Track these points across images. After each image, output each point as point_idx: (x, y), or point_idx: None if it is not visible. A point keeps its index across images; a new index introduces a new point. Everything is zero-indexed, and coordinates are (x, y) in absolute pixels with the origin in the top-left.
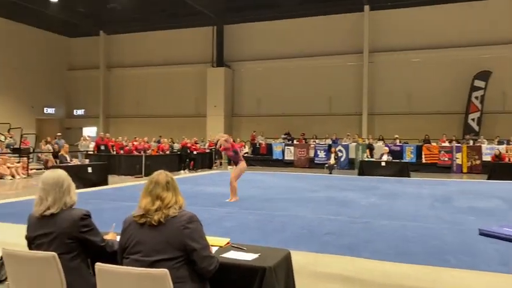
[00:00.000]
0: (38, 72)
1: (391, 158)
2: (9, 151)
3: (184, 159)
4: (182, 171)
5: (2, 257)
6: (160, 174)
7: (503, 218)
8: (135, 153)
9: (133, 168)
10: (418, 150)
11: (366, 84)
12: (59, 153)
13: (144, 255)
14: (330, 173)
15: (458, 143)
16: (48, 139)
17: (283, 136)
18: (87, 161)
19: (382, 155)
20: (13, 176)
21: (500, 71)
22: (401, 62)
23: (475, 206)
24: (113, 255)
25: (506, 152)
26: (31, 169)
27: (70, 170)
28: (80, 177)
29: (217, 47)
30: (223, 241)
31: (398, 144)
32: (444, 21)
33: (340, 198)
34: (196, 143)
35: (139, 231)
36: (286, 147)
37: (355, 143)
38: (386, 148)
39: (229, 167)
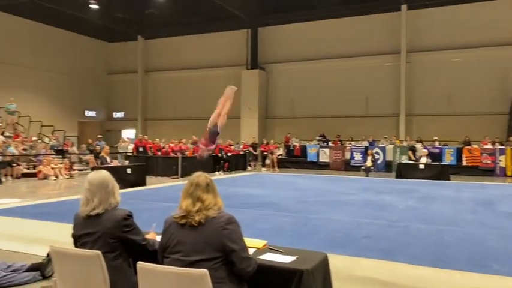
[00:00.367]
0: (80, 77)
1: (430, 160)
2: (53, 152)
3: (219, 161)
4: (217, 173)
5: (48, 254)
6: (200, 176)
7: None
8: (172, 154)
9: (170, 169)
10: (459, 153)
11: (404, 84)
12: (100, 155)
13: (184, 255)
14: (367, 176)
15: (502, 145)
16: (89, 141)
17: (317, 138)
18: (126, 162)
19: (420, 157)
20: (56, 177)
21: None
22: (441, 61)
23: None
24: (153, 255)
25: None
26: (73, 170)
27: (110, 170)
28: (120, 177)
29: (251, 49)
30: (260, 243)
31: (437, 146)
32: (485, 19)
33: (377, 202)
34: (231, 145)
35: (179, 231)
36: (321, 149)
37: (392, 145)
38: (425, 150)
39: (263, 168)
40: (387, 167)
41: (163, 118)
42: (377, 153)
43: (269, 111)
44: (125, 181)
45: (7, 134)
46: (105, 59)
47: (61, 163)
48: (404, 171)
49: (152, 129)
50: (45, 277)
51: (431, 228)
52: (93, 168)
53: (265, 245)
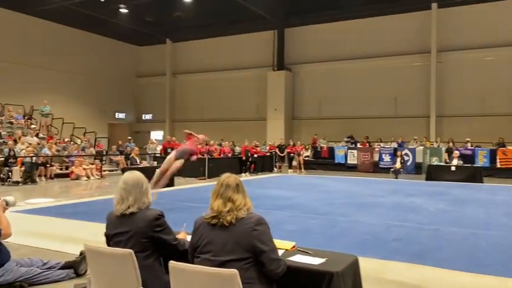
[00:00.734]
0: (110, 80)
1: (461, 162)
2: (84, 153)
3: (245, 162)
4: (243, 174)
5: (81, 252)
6: (230, 177)
7: None
8: (199, 155)
9: (197, 171)
10: (492, 155)
11: (434, 85)
12: (130, 156)
13: (214, 255)
14: (396, 178)
15: None
16: (120, 142)
17: (345, 139)
18: (155, 163)
19: (452, 159)
20: (88, 177)
21: None
22: (473, 61)
23: None
24: (183, 254)
25: None
26: (104, 170)
27: (140, 171)
28: (149, 178)
29: (278, 50)
30: (288, 244)
31: (469, 148)
32: None
33: (406, 204)
34: (257, 147)
35: (210, 231)
36: (349, 150)
37: (422, 147)
38: (457, 152)
39: (289, 170)
40: (417, 168)
41: (191, 120)
42: (406, 154)
43: (296, 112)
44: None
45: (41, 135)
46: (134, 62)
47: (92, 164)
48: (435, 173)
49: (180, 131)
50: (78, 275)
51: (464, 231)
52: (123, 169)
53: (294, 246)
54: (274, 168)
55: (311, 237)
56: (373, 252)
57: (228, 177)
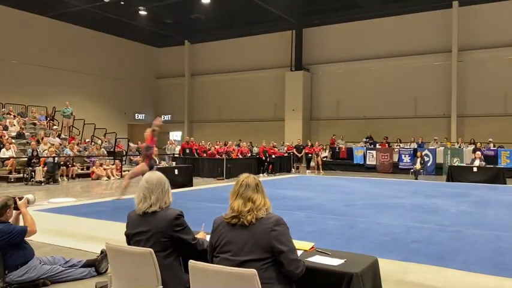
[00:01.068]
0: (130, 81)
1: (483, 163)
2: (106, 154)
3: (263, 163)
4: (261, 175)
5: (102, 251)
6: (249, 177)
7: None
8: (217, 156)
9: (216, 171)
10: None
11: (455, 84)
12: None
13: (233, 255)
14: (416, 179)
15: None
16: (139, 143)
17: (364, 140)
18: (173, 164)
19: (473, 160)
20: (108, 177)
21: None
22: (495, 59)
23: None
24: (202, 254)
25: None
26: (124, 171)
27: (159, 171)
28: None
29: (295, 50)
30: (307, 245)
31: (492, 148)
32: None
33: (427, 205)
34: (275, 147)
35: (229, 231)
36: (367, 151)
37: (443, 147)
38: (479, 153)
39: (307, 171)
40: (437, 169)
41: (208, 120)
42: (426, 155)
43: (314, 113)
44: (172, 182)
45: (63, 136)
46: (154, 64)
47: (112, 164)
48: (456, 175)
49: (198, 131)
50: (99, 273)
51: (487, 234)
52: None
53: (312, 247)
54: (292, 169)
55: (330, 238)
56: (393, 254)
57: (247, 177)
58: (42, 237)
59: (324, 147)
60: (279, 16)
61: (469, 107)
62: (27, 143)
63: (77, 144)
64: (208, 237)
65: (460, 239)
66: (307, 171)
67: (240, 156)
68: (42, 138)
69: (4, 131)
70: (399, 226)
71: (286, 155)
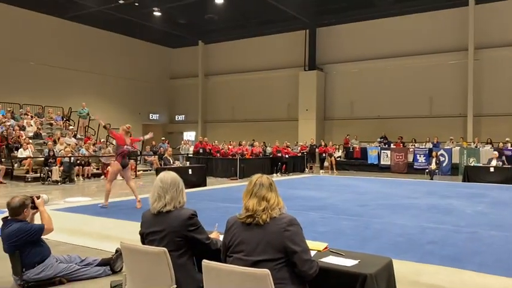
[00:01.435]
0: (145, 82)
1: (501, 163)
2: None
3: (277, 163)
4: (274, 175)
5: (117, 250)
6: (262, 177)
7: None
8: (230, 156)
9: (229, 171)
10: None
11: (471, 83)
12: (164, 156)
13: (246, 255)
14: (431, 179)
15: None
16: (153, 143)
17: (379, 140)
18: (187, 163)
19: (490, 160)
20: (123, 177)
21: None
22: None
23: None
24: (216, 253)
25: None
26: (138, 170)
27: (173, 171)
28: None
29: (309, 50)
30: (321, 245)
31: (510, 148)
32: None
33: (442, 206)
34: (288, 147)
35: (242, 231)
36: (382, 151)
37: (458, 147)
38: (496, 153)
39: (321, 171)
40: (453, 170)
41: (222, 120)
42: (442, 155)
43: (327, 113)
44: (186, 181)
45: (79, 136)
46: (168, 64)
47: None
48: (472, 175)
49: (211, 131)
50: (114, 272)
51: (505, 235)
52: (156, 169)
53: (326, 247)
54: (306, 169)
55: (343, 238)
56: (407, 255)
57: (260, 176)
58: (58, 236)
59: (338, 147)
60: (293, 16)
61: (485, 106)
62: (44, 143)
63: (93, 145)
64: (221, 237)
65: (477, 240)
66: (321, 171)
67: (254, 157)
68: (59, 139)
69: (21, 132)
70: (414, 227)
71: (299, 154)
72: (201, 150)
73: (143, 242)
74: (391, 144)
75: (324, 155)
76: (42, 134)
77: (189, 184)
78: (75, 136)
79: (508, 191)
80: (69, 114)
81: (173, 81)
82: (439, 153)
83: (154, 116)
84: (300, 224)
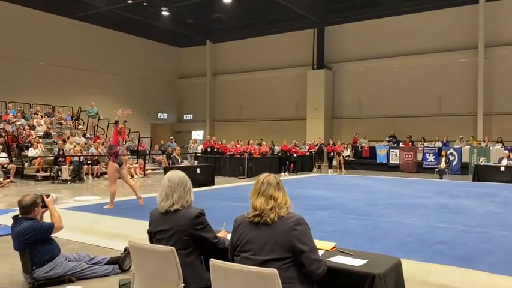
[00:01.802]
0: (153, 81)
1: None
2: (128, 153)
3: (285, 162)
4: (282, 174)
5: (126, 249)
6: (270, 176)
7: None
8: (237, 155)
9: (237, 170)
10: None
11: (482, 81)
12: (172, 155)
13: (254, 254)
14: (441, 178)
15: None
16: (162, 142)
17: (387, 139)
18: (196, 163)
19: (501, 159)
20: (132, 176)
21: None
22: None
23: None
24: (224, 252)
25: None
26: (147, 169)
27: (181, 170)
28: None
29: (317, 49)
30: (329, 245)
31: None
32: None
33: (452, 205)
34: (296, 146)
35: (250, 230)
36: (391, 150)
37: (468, 146)
38: (506, 152)
39: (329, 170)
40: (463, 169)
41: (230, 120)
42: (452, 154)
43: (335, 111)
44: (194, 180)
45: (88, 135)
46: (176, 64)
47: (136, 163)
48: (483, 174)
49: (219, 131)
50: (123, 270)
51: None
52: (165, 168)
53: (334, 247)
54: (314, 168)
55: (352, 238)
56: (417, 255)
57: (267, 175)
58: (67, 235)
59: (346, 146)
60: (301, 15)
61: (496, 105)
62: (54, 142)
63: (102, 144)
64: (229, 236)
65: (487, 240)
66: (329, 170)
67: (261, 156)
68: (68, 138)
69: (32, 131)
70: (423, 226)
71: (308, 154)
72: (209, 149)
73: (151, 241)
74: (400, 143)
75: (332, 154)
76: (52, 133)
77: (197, 183)
78: (84, 135)
79: None
80: (79, 113)
81: (181, 81)
82: (448, 152)
83: (163, 115)
84: (307, 223)
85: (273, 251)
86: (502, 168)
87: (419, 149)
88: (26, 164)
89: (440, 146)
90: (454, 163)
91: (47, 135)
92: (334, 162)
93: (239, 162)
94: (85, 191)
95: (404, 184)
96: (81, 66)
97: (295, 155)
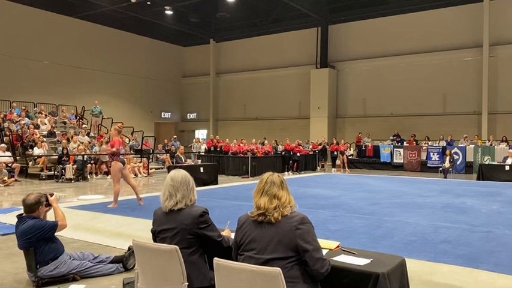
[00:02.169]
0: (157, 80)
1: None
2: (132, 152)
3: (288, 161)
4: (286, 173)
5: (129, 248)
6: (273, 175)
7: None
8: (241, 155)
9: (241, 169)
10: None
11: (486, 80)
12: (175, 154)
13: (257, 253)
14: (445, 177)
15: None
16: (165, 141)
17: (391, 138)
18: (199, 162)
19: (505, 158)
20: (135, 175)
21: None
22: None
23: None
24: (228, 251)
25: None
26: (151, 168)
27: (185, 169)
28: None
29: (321, 47)
30: (333, 244)
31: None
32: None
33: (456, 205)
34: (300, 145)
35: (254, 229)
36: (395, 149)
37: (473, 145)
38: (511, 151)
39: (333, 169)
40: (467, 168)
41: (233, 119)
42: (456, 153)
43: (339, 111)
44: (197, 179)
45: (92, 134)
46: (179, 63)
47: (139, 162)
48: (487, 173)
49: (223, 130)
50: (127, 269)
51: None
52: (168, 167)
53: (338, 246)
54: (318, 167)
55: (355, 237)
56: (421, 254)
57: (271, 175)
58: (71, 233)
59: (350, 145)
60: (305, 13)
61: (501, 104)
62: (58, 141)
63: (105, 143)
64: (233, 235)
65: (492, 239)
66: (333, 169)
67: (265, 155)
68: (72, 137)
69: (36, 130)
70: (427, 226)
71: (311, 153)
72: (212, 148)
73: (155, 240)
74: (404, 142)
75: (335, 153)
76: (56, 132)
77: (200, 182)
78: (88, 134)
79: None
80: (82, 112)
81: (185, 80)
82: (453, 151)
83: (166, 114)
84: (311, 222)
85: (277, 250)
86: (507, 167)
87: (424, 148)
88: (30, 163)
89: (445, 145)
90: (458, 162)
91: (51, 134)
92: (338, 162)
93: (243, 161)
94: (89, 190)
95: (408, 183)
96: (85, 65)
97: (298, 154)
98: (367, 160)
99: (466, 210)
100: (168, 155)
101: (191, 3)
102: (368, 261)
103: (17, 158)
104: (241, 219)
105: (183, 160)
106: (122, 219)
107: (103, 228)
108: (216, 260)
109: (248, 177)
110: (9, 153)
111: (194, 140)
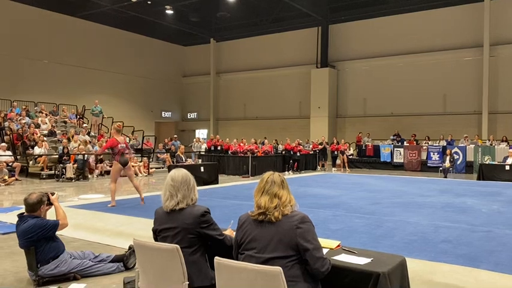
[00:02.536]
0: (157, 80)
1: None
2: (132, 151)
3: (288, 160)
4: (286, 172)
5: (130, 247)
6: (274, 174)
7: None
8: (241, 154)
9: (241, 169)
10: None
11: (487, 80)
12: (176, 154)
13: (258, 252)
14: (445, 177)
15: None
16: (166, 141)
17: (392, 137)
18: (199, 161)
19: (506, 158)
20: (136, 174)
21: None
22: None
23: None
24: (230, 250)
25: None
26: (151, 168)
27: (185, 169)
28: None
29: (321, 47)
30: (333, 243)
31: None
32: None
33: (457, 204)
34: (300, 145)
35: (254, 228)
36: (395, 149)
37: (473, 145)
38: (511, 150)
39: (333, 168)
40: (467, 168)
41: (233, 118)
42: (456, 153)
43: (340, 110)
44: (198, 179)
45: (92, 134)
46: (180, 62)
47: (140, 161)
48: (487, 173)
49: (223, 129)
50: (127, 268)
51: None
52: (169, 167)
53: (338, 245)
54: (318, 167)
55: (356, 236)
56: (421, 254)
57: (271, 174)
58: (72, 232)
59: (350, 145)
60: (305, 13)
61: (501, 103)
62: (58, 140)
63: (106, 142)
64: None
65: (492, 239)
66: (333, 169)
67: (265, 155)
68: (73, 136)
69: (36, 129)
70: (428, 225)
71: (311, 152)
72: (212, 148)
73: (156, 239)
74: (404, 142)
75: (336, 152)
76: (57, 131)
77: (201, 182)
78: (88, 134)
79: None
80: (83, 112)
81: (185, 79)
82: (453, 151)
83: (167, 114)
84: (312, 221)
85: (277, 249)
86: (507, 167)
87: (424, 147)
88: (30, 162)
89: (445, 144)
90: (458, 162)
91: (51, 133)
92: (338, 161)
93: (243, 160)
94: (89, 189)
95: (409, 183)
96: (86, 64)
97: (299, 153)
98: (368, 160)
99: (466, 210)
100: (168, 154)
101: (192, 2)
102: (368, 260)
103: (18, 157)
104: (241, 218)
105: (184, 159)
106: (122, 218)
107: (103, 227)
108: (216, 259)
109: (248, 177)
110: (9, 153)
111: (195, 139)
